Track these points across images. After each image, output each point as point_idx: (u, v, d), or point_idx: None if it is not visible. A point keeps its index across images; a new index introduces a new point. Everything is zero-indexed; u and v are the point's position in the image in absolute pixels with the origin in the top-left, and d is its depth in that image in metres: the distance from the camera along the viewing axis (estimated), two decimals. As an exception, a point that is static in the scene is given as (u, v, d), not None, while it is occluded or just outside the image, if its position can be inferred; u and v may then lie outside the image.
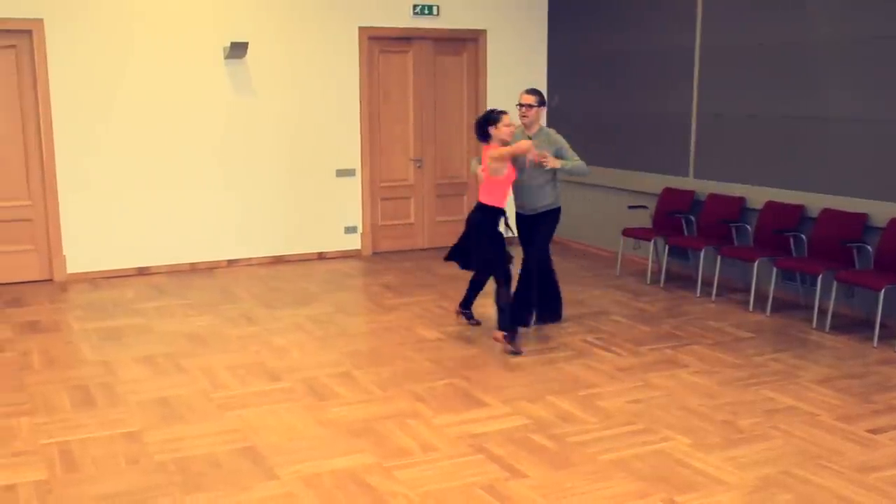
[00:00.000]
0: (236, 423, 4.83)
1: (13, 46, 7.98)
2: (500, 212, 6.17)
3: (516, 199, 6.61)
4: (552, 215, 6.55)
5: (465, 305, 6.69)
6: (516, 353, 6.01)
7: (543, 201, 6.48)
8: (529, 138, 6.35)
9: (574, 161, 6.37)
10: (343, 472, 4.21)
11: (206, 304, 7.45)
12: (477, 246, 6.19)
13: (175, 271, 8.75)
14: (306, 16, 8.97)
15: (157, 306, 7.41)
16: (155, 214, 8.62)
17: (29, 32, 7.98)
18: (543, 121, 7.10)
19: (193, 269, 8.82)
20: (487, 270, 6.30)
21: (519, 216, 6.64)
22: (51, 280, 8.36)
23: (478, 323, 6.71)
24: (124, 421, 4.87)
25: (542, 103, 6.43)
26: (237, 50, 8.52)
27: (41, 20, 7.96)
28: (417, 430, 4.73)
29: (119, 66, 8.30)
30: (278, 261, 9.20)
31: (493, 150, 6.02)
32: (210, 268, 8.90)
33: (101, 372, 5.71)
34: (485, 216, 6.14)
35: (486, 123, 6.11)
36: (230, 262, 9.00)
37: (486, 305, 7.02)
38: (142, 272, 8.65)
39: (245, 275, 8.60)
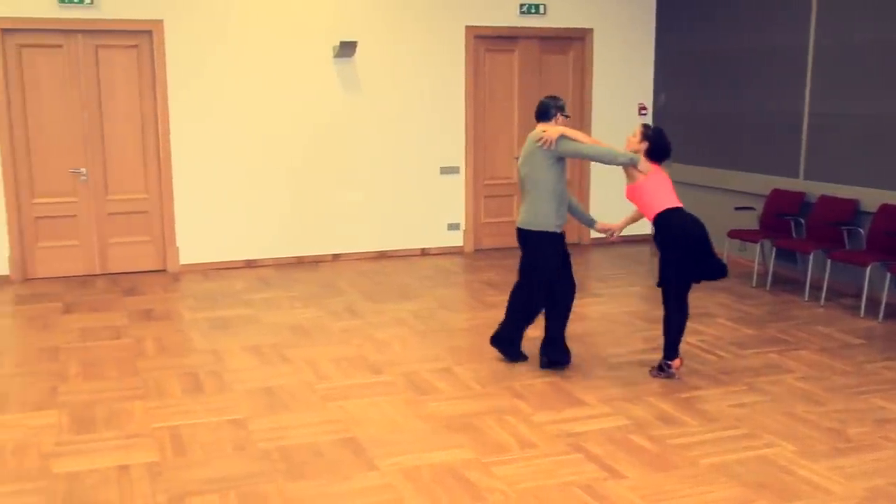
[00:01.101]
0: (338, 414, 4.93)
1: (135, 46, 8.32)
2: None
3: (561, 213, 5.68)
4: None
5: None
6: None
7: None
8: None
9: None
10: (441, 466, 4.26)
11: (311, 297, 7.62)
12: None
13: (282, 264, 8.98)
14: (414, 15, 9.07)
15: (264, 298, 7.61)
16: (264, 209, 8.85)
17: (149, 33, 8.30)
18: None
19: (299, 262, 9.03)
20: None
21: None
22: (164, 270, 8.67)
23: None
24: (231, 408, 5.03)
25: None
26: (346, 49, 8.68)
27: (161, 21, 8.27)
28: (516, 426, 4.75)
29: (233, 65, 8.56)
30: (382, 256, 9.33)
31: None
32: (315, 261, 9.10)
33: (210, 360, 5.91)
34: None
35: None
36: (335, 257, 9.18)
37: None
38: (250, 264, 8.90)
39: (349, 269, 8.76)
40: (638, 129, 5.54)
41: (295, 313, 7.11)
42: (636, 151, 5.47)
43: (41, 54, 8.09)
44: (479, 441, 4.55)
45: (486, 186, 9.72)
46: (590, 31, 9.74)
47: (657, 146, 5.50)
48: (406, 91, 9.19)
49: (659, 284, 5.56)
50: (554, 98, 5.69)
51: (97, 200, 8.44)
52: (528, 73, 9.68)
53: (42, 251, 8.35)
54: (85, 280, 8.34)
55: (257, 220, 8.87)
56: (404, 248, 9.46)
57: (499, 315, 6.98)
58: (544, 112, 5.63)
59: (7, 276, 8.22)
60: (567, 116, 5.71)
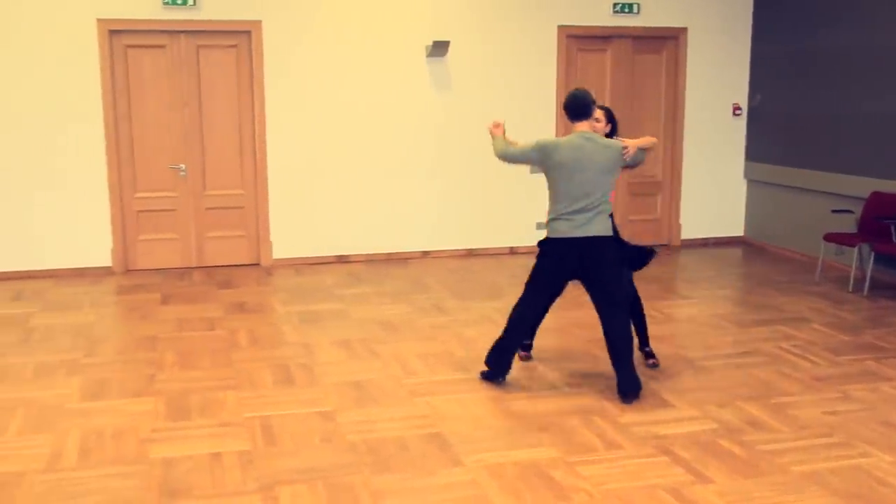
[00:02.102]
0: (425, 410, 4.99)
1: (234, 46, 8.54)
2: None
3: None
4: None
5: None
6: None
7: None
8: None
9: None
10: (526, 464, 4.27)
11: (400, 293, 7.71)
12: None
13: (372, 260, 9.10)
14: (507, 15, 9.09)
15: (354, 293, 7.73)
16: (355, 206, 8.99)
17: (248, 33, 8.52)
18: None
19: (389, 258, 9.14)
20: None
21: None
22: (258, 264, 8.89)
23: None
24: (320, 400, 5.13)
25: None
26: (439, 48, 8.75)
27: (259, 21, 8.47)
28: (602, 427, 4.73)
29: (327, 64, 8.72)
30: (470, 254, 9.38)
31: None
32: (405, 258, 9.19)
33: (301, 353, 6.04)
34: None
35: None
36: (424, 254, 9.26)
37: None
38: (341, 260, 9.05)
39: (438, 266, 8.83)
40: (601, 114, 5.47)
41: (384, 309, 7.21)
42: (606, 135, 5.44)
43: (146, 54, 8.38)
44: (564, 440, 4.56)
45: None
46: (684, 30, 9.61)
47: (614, 125, 5.62)
48: (497, 90, 9.21)
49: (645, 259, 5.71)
50: (587, 91, 5.24)
51: (195, 195, 8.70)
52: (620, 73, 9.60)
53: (142, 244, 8.65)
54: (182, 272, 8.61)
55: (348, 217, 9.02)
56: (493, 246, 9.49)
57: (586, 315, 6.95)
58: (585, 108, 5.17)
59: (109, 268, 8.55)
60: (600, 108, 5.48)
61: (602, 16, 9.36)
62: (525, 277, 8.29)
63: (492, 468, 4.23)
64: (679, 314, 7.03)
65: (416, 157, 9.09)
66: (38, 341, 6.33)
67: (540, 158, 5.25)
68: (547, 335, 6.44)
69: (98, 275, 8.48)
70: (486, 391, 5.28)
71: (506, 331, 5.36)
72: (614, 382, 5.37)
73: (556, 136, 9.39)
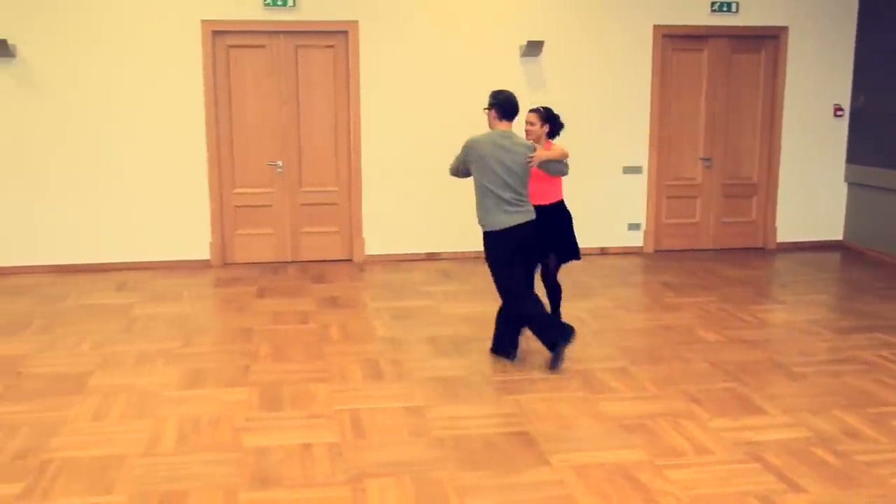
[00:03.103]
0: (512, 408, 5.00)
1: (331, 46, 8.70)
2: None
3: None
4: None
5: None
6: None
7: None
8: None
9: None
10: (613, 466, 4.25)
11: (488, 291, 7.72)
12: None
13: (460, 258, 9.15)
14: (602, 15, 9.03)
15: (443, 290, 7.79)
16: (446, 204, 9.05)
17: (345, 33, 8.66)
18: None
19: (478, 256, 9.18)
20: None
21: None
22: (350, 260, 9.03)
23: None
24: (408, 395, 5.20)
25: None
26: (533, 48, 8.75)
27: (356, 22, 8.61)
28: (692, 431, 4.68)
29: (421, 64, 8.80)
30: (560, 254, 9.34)
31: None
32: (494, 257, 9.21)
33: (390, 348, 6.12)
34: None
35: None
36: (513, 253, 9.26)
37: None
38: (430, 257, 9.13)
39: (527, 266, 8.82)
40: (534, 117, 6.06)
41: (472, 306, 7.24)
42: (539, 137, 6.05)
43: (247, 54, 8.59)
44: (652, 443, 4.52)
45: (668, 187, 9.56)
46: (784, 29, 9.39)
47: (554, 125, 6.13)
48: (591, 90, 9.16)
49: (576, 258, 6.40)
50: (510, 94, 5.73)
51: (291, 192, 8.89)
52: (716, 73, 9.44)
53: (240, 238, 8.88)
54: (277, 266, 8.81)
55: (439, 215, 9.09)
56: (583, 246, 9.36)
57: (677, 317, 6.87)
58: (514, 111, 5.70)
59: (208, 261, 8.80)
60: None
61: (699, 15, 9.21)
62: (615, 278, 8.27)
63: (578, 468, 4.22)
64: (773, 319, 6.88)
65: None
66: (139, 330, 6.57)
67: (466, 154, 5.66)
68: (635, 337, 6.39)
69: (197, 267, 8.75)
70: (574, 391, 5.27)
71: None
72: (704, 387, 5.31)
73: (650, 133, 9.30)
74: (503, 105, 5.65)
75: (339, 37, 8.70)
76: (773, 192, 9.71)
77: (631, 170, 9.37)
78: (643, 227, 9.50)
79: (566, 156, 5.83)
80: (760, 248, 9.76)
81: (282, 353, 6.01)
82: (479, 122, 8.96)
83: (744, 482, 4.07)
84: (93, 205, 8.56)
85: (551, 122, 6.14)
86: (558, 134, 6.22)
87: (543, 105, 6.33)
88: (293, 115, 8.76)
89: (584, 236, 9.35)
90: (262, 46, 8.62)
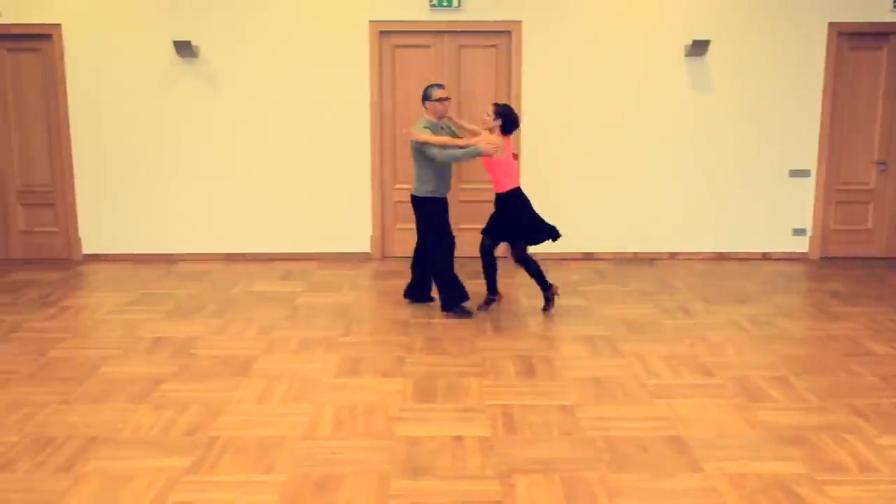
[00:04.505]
0: (665, 412, 4.93)
1: (494, 46, 8.79)
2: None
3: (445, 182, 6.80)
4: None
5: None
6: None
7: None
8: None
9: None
10: (770, 477, 4.14)
11: (645, 293, 7.64)
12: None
13: (618, 259, 9.07)
14: (772, 13, 8.74)
15: (599, 290, 7.75)
16: (604, 204, 9.00)
17: (508, 33, 8.73)
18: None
19: (636, 257, 9.07)
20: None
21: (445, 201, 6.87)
22: (506, 257, 9.09)
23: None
24: (560, 394, 5.21)
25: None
26: (698, 48, 8.57)
27: (520, 22, 8.66)
28: (856, 447, 4.49)
29: (584, 64, 8.77)
30: (720, 257, 9.12)
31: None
32: (652, 258, 9.09)
33: (544, 346, 6.14)
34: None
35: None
36: (671, 255, 9.12)
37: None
38: (587, 257, 9.09)
39: (685, 268, 8.66)
40: (491, 109, 6.53)
41: (628, 308, 7.18)
42: (492, 129, 6.53)
43: (412, 54, 8.79)
44: (812, 457, 4.36)
45: (838, 191, 9.15)
46: (974, 25, 8.84)
47: (508, 120, 6.53)
48: (758, 90, 8.88)
49: (513, 244, 6.76)
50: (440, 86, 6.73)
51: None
52: (896, 72, 8.99)
53: (398, 232, 9.09)
54: (434, 262, 8.96)
55: (597, 214, 9.03)
56: (744, 250, 9.18)
57: (843, 328, 6.60)
58: (427, 96, 6.73)
59: (368, 254, 9.06)
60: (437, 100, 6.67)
61: (880, 11, 8.77)
62: (777, 284, 8.00)
63: (732, 477, 4.13)
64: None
65: (671, 157, 8.95)
66: (302, 318, 6.85)
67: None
68: (797, 345, 6.17)
69: (358, 260, 9.03)
70: (731, 398, 5.15)
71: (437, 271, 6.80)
72: (872, 402, 5.09)
73: (820, 135, 8.94)
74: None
75: (501, 36, 8.77)
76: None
77: (798, 173, 9.03)
78: (809, 232, 9.15)
79: (471, 144, 6.41)
80: (882, 259, 9.23)
81: (436, 346, 6.13)
82: (640, 122, 8.86)
83: (911, 503, 3.89)
84: (262, 198, 8.98)
85: (503, 117, 6.53)
86: (511, 132, 6.59)
87: (502, 102, 7.54)
88: (454, 114, 8.89)
89: (745, 240, 9.12)
90: (427, 46, 8.79)
